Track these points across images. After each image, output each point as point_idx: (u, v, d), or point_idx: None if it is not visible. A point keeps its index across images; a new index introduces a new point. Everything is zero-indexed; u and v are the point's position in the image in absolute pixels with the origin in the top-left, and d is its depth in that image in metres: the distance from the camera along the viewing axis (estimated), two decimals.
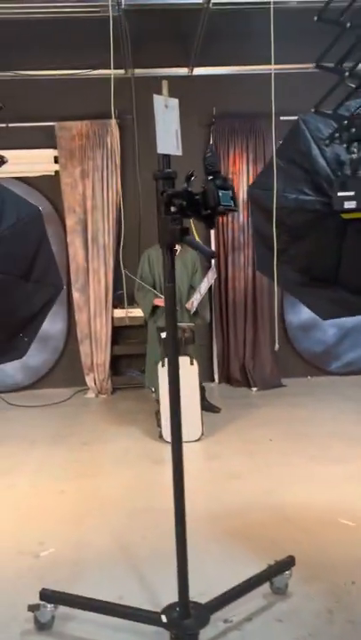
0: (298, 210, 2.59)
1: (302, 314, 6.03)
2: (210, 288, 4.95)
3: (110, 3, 4.24)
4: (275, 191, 2.35)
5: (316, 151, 2.59)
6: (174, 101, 1.80)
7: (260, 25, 5.42)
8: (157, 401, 4.66)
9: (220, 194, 1.88)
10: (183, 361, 4.31)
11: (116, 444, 4.32)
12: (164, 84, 1.78)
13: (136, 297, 4.80)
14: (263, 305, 5.77)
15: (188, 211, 1.89)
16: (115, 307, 5.69)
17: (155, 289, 4.70)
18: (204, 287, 4.63)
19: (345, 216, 2.33)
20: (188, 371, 4.30)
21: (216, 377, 5.95)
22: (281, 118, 6.01)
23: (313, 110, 2.48)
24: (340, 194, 2.26)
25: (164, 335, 4.33)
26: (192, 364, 4.33)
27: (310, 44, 3.05)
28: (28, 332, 2.84)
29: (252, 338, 5.82)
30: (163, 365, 4.26)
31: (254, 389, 5.68)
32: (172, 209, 1.85)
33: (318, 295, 2.67)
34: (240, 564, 2.55)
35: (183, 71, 5.63)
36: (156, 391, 4.53)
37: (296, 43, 5.17)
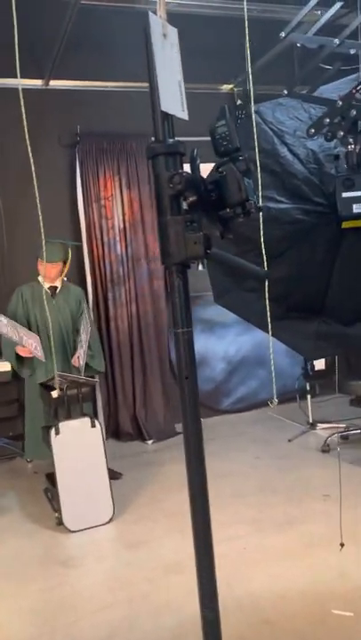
0: (270, 222, 2.00)
1: None
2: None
3: None
4: (260, 195, 1.75)
5: (283, 148, 2.04)
6: (174, 32, 1.09)
7: (128, 36, 4.95)
8: (47, 476, 3.72)
9: (246, 183, 1.21)
10: (82, 424, 3.47)
11: (3, 545, 3.26)
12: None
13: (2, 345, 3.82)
14: (151, 345, 5.11)
15: (198, 208, 1.18)
16: None
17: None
18: (84, 338, 3.78)
19: (347, 224, 1.80)
20: (90, 435, 3.45)
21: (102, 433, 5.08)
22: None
23: (285, 93, 1.94)
24: (345, 195, 1.72)
25: (55, 394, 3.44)
26: (93, 425, 3.48)
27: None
28: None
29: (142, 383, 5.11)
30: (57, 433, 3.35)
31: (150, 442, 4.94)
32: (184, 205, 1.13)
33: (299, 329, 2.10)
34: None
35: (37, 83, 4.86)
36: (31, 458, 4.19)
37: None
